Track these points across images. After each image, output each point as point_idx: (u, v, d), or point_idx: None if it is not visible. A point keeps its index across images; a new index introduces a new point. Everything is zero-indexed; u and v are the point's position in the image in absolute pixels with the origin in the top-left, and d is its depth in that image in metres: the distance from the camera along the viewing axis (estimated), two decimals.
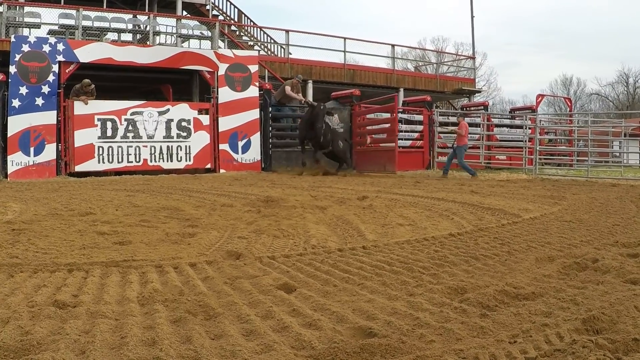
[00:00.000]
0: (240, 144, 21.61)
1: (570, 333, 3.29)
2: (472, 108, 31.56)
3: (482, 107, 30.10)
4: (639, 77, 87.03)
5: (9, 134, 18.27)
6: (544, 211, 9.36)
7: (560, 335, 3.25)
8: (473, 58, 39.47)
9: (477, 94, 39.28)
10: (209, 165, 21.16)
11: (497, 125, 27.26)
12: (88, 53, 19.93)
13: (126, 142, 19.83)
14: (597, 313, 3.54)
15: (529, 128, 24.21)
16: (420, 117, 25.12)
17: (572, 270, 5.00)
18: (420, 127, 24.95)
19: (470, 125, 26.74)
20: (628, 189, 14.32)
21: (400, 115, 23.39)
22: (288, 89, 22.85)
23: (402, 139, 23.18)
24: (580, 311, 3.69)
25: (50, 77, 18.95)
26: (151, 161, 20.17)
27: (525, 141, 23.39)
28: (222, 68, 21.74)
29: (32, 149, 18.50)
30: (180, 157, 20.64)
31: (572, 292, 4.21)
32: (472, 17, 37.92)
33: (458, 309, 3.83)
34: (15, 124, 18.33)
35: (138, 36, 26.32)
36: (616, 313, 3.59)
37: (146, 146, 20.12)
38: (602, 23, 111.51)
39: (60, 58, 19.26)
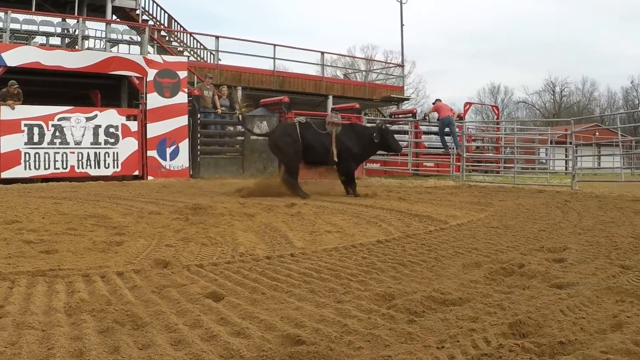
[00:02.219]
0: (169, 150, 21.40)
1: (497, 337, 3.32)
2: (400, 115, 31.79)
3: (411, 115, 30.35)
4: (565, 85, 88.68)
5: None
6: (471, 217, 9.45)
7: (487, 340, 3.28)
8: (402, 66, 39.75)
9: (405, 102, 39.57)
10: (136, 172, 20.89)
11: (425, 133, 27.48)
12: (15, 57, 19.54)
13: (53, 148, 19.43)
14: (523, 317, 3.58)
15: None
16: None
17: (498, 275, 5.06)
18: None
19: (398, 132, 26.97)
20: (554, 195, 14.54)
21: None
22: (206, 94, 22.82)
23: None
24: (506, 316, 3.73)
25: None
26: (78, 168, 19.82)
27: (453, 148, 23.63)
28: (151, 74, 21.47)
29: None
30: (108, 164, 20.33)
31: (498, 297, 4.25)
32: (402, 25, 38.26)
33: (386, 315, 3.83)
34: None
35: (67, 40, 25.97)
36: (542, 317, 3.64)
37: (73, 152, 19.73)
38: (531, 33, 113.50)
39: None
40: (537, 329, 3.47)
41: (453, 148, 22.83)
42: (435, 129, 25.68)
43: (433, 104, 25.48)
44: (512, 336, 3.39)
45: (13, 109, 18.67)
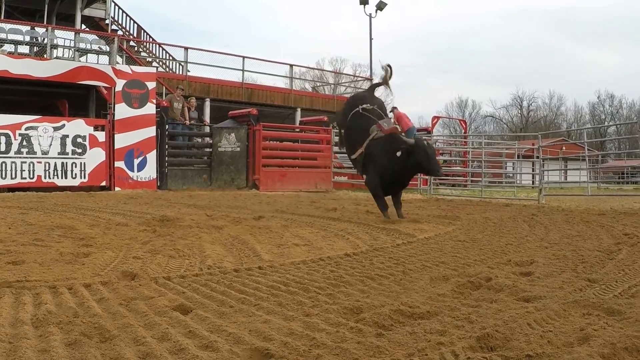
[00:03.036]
0: (136, 161, 21.33)
1: (465, 351, 3.32)
2: None
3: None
4: (532, 100, 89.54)
5: None
6: (439, 231, 9.48)
7: (456, 353, 3.28)
8: (370, 79, 39.87)
9: None
10: (104, 183, 20.82)
11: None
12: None
13: (20, 157, 19.33)
14: (491, 331, 3.58)
15: None
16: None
17: (466, 289, 5.06)
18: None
19: None
20: (521, 208, 14.62)
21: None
22: (176, 105, 22.79)
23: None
24: (474, 329, 3.73)
25: None
26: (45, 178, 19.72)
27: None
28: (120, 84, 21.41)
29: None
30: (75, 174, 20.24)
31: (466, 310, 4.25)
32: (371, 39, 38.47)
33: (354, 328, 3.82)
34: None
35: (35, 49, 25.81)
36: (509, 330, 3.65)
37: (40, 162, 19.65)
38: (498, 48, 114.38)
39: None
40: (505, 343, 3.47)
41: None
42: None
43: (390, 111, 25.56)
44: (480, 349, 3.39)
45: None
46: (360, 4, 38.31)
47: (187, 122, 23.31)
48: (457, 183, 27.05)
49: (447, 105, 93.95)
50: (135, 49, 30.85)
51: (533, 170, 28.42)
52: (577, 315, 4.14)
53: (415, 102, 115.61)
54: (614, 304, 4.34)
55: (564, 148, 41.97)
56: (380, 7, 38.22)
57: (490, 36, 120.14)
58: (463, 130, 46.44)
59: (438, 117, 37.55)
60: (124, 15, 32.24)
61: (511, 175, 31.66)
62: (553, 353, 3.27)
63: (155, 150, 21.75)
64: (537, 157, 19.21)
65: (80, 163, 20.36)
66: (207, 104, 28.77)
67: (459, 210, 13.85)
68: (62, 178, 20.00)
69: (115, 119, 21.23)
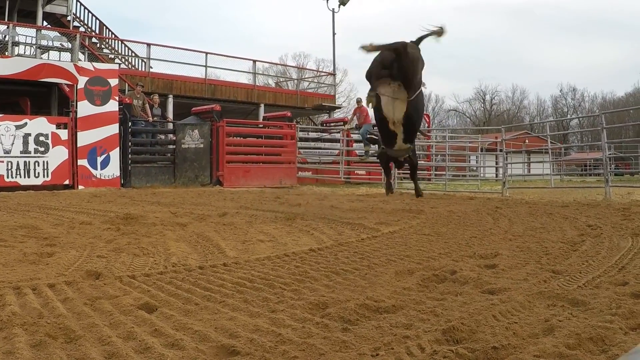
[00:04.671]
0: (99, 159, 21.18)
1: (431, 344, 3.32)
2: (332, 124, 31.93)
3: (342, 123, 30.50)
4: (495, 94, 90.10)
5: None
6: (403, 225, 9.49)
7: (422, 347, 3.28)
8: (333, 74, 39.92)
9: (337, 110, 39.74)
10: (67, 182, 20.64)
11: (357, 141, 27.60)
12: None
13: None
14: (456, 323, 3.59)
15: None
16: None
17: (431, 282, 5.07)
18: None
19: (330, 140, 27.08)
20: (485, 201, 14.69)
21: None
22: (136, 103, 22.67)
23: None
24: (440, 322, 3.73)
25: None
26: (8, 177, 19.51)
27: None
28: (82, 81, 21.23)
29: None
30: (38, 173, 20.05)
31: (431, 303, 4.26)
32: (334, 34, 38.45)
33: (320, 324, 3.81)
34: None
35: None
36: (475, 323, 3.65)
37: (2, 161, 19.44)
38: (461, 42, 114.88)
39: None
40: (471, 335, 3.48)
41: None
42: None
43: (358, 102, 25.66)
44: (446, 342, 3.39)
45: None
46: None
47: (150, 119, 23.19)
48: (421, 177, 27.14)
49: None
50: (98, 45, 30.62)
51: (496, 163, 28.56)
52: (541, 306, 4.16)
53: None
54: (578, 295, 4.37)
55: (527, 141, 42.32)
56: (343, 2, 38.24)
57: (452, 30, 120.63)
58: (426, 125, 46.65)
59: None
60: (86, 11, 32.00)
61: (475, 168, 31.81)
62: (518, 344, 3.28)
63: (118, 147, 21.61)
64: (501, 151, 19.32)
65: (43, 162, 20.17)
66: (170, 100, 28.66)
67: (423, 203, 13.87)
68: (25, 177, 19.81)
69: (78, 116, 21.04)
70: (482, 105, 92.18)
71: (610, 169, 17.57)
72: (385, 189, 11.89)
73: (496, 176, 29.26)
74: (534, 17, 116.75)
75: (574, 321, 3.70)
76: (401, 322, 3.80)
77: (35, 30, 25.85)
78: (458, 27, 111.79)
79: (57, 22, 30.18)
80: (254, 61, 34.18)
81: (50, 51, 25.51)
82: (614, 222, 9.36)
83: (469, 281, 5.00)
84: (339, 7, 38.49)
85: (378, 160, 11.97)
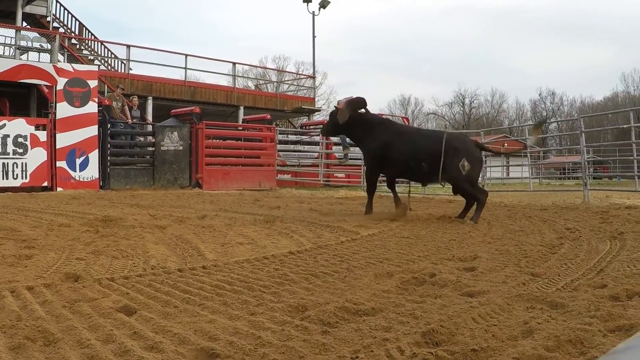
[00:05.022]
0: (78, 161, 21.05)
1: (410, 346, 3.32)
2: (311, 127, 31.96)
3: (322, 126, 30.55)
4: (474, 97, 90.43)
5: None
6: (382, 228, 9.50)
7: (401, 349, 3.28)
8: (313, 77, 39.96)
9: (316, 113, 39.77)
10: (45, 184, 20.51)
11: (336, 144, 27.61)
12: None
13: None
14: (436, 326, 3.59)
15: None
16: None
17: (410, 285, 5.08)
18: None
19: (309, 143, 27.09)
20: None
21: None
22: (115, 105, 22.60)
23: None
24: (419, 325, 3.74)
25: None
26: None
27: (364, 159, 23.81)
28: (61, 82, 21.08)
29: None
30: (17, 175, 19.90)
31: (411, 306, 4.26)
32: (314, 37, 38.49)
33: (299, 326, 3.81)
34: None
35: None
36: (454, 325, 3.66)
37: None
38: (441, 46, 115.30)
39: None
40: (450, 337, 3.48)
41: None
42: (349, 140, 25.83)
43: (336, 106, 25.69)
44: (425, 345, 3.39)
45: None
46: (304, 1, 38.37)
47: (129, 120, 23.12)
48: (400, 180, 27.16)
49: (390, 102, 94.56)
50: (77, 46, 30.52)
51: None
52: (520, 309, 4.17)
53: None
54: (557, 298, 4.39)
55: (506, 144, 42.37)
56: (324, 5, 38.30)
57: (433, 35, 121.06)
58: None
59: (381, 115, 37.68)
60: (66, 12, 31.89)
61: None
62: (498, 347, 3.28)
63: (97, 149, 21.50)
64: None
65: (22, 163, 20.03)
66: (150, 102, 28.62)
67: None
68: (3, 179, 19.67)
69: (57, 118, 20.91)
70: (462, 108, 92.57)
71: (589, 172, 17.66)
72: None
73: None
74: (513, 21, 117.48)
75: (553, 323, 3.71)
76: (380, 324, 3.80)
77: (14, 30, 25.73)
78: (439, 33, 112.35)
79: (36, 22, 30.07)
80: (234, 63, 34.19)
81: (29, 52, 25.39)
82: (593, 225, 9.42)
83: (448, 284, 5.01)
84: (319, 9, 38.54)
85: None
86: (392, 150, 11.20)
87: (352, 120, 11.58)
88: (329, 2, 38.29)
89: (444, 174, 10.92)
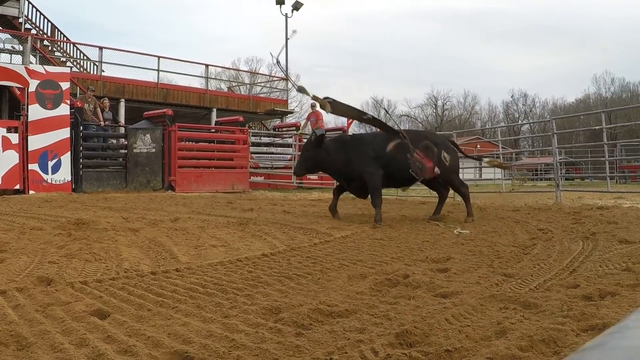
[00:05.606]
0: (51, 164, 20.89)
1: (384, 348, 3.33)
2: (284, 129, 31.97)
3: (294, 128, 30.55)
4: (447, 99, 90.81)
5: None
6: (356, 229, 9.51)
7: (375, 350, 3.29)
8: (286, 79, 39.89)
9: (289, 115, 39.76)
10: (17, 186, 20.36)
11: None
12: None
13: None
14: (409, 327, 3.60)
15: None
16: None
17: (384, 286, 5.08)
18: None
19: (282, 145, 27.11)
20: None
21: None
22: (86, 107, 22.49)
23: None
24: (393, 326, 3.74)
25: None
26: None
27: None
28: (33, 84, 20.90)
29: None
30: None
31: (384, 307, 4.27)
32: (287, 39, 38.41)
33: (273, 329, 3.80)
34: None
35: None
36: (428, 326, 3.67)
37: None
38: (414, 48, 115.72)
39: None
40: (424, 338, 3.49)
41: None
42: None
43: (312, 107, 25.73)
44: (399, 346, 3.40)
45: None
46: (277, 4, 38.37)
47: (102, 123, 23.01)
48: None
49: (363, 104, 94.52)
50: (50, 48, 30.35)
51: None
52: (494, 309, 4.19)
53: None
54: (530, 298, 4.41)
55: (478, 146, 42.57)
56: (297, 7, 38.31)
57: (404, 37, 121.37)
58: (378, 130, 46.76)
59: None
60: (38, 14, 31.70)
61: None
62: (471, 347, 3.30)
63: (69, 152, 21.36)
64: None
65: None
66: (122, 104, 28.49)
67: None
68: None
69: (29, 120, 20.73)
70: (434, 110, 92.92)
71: (561, 173, 17.75)
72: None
73: None
74: (485, 23, 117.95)
75: (526, 323, 3.73)
76: (354, 326, 3.80)
77: None
78: (411, 35, 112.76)
79: (8, 24, 29.87)
80: (207, 65, 34.11)
81: (0, 53, 25.20)
82: (565, 226, 9.48)
83: (422, 285, 5.02)
84: (292, 12, 38.55)
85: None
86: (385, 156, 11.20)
87: (327, 150, 11.52)
88: (302, 5, 38.32)
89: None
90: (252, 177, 25.94)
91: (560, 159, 19.75)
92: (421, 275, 5.42)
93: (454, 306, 4.21)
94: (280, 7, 38.37)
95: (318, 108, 24.33)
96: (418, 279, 5.22)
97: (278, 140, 29.86)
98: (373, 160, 11.29)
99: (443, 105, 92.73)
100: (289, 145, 28.49)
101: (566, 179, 35.73)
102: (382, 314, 4.07)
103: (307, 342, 3.50)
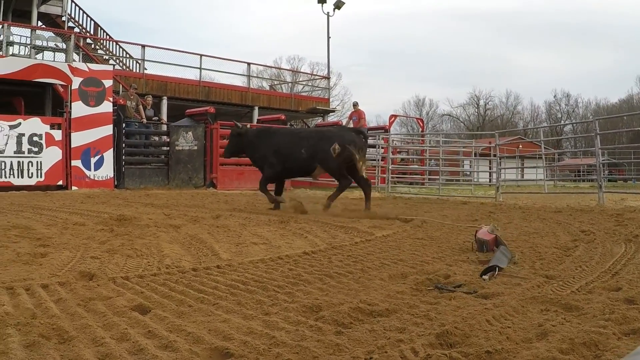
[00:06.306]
0: (93, 160, 21.07)
1: (424, 348, 3.32)
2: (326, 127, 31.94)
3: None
4: (489, 99, 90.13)
5: None
6: (397, 229, 9.48)
7: (415, 350, 3.28)
8: (328, 78, 39.90)
9: (331, 114, 39.72)
10: (60, 182, 20.52)
11: None
12: None
13: None
14: (450, 327, 3.59)
15: (382, 147, 24.61)
16: None
17: (424, 286, 5.07)
18: None
19: None
20: (478, 206, 14.72)
21: None
22: (129, 104, 22.62)
23: None
24: (433, 326, 3.73)
25: None
26: (1, 177, 19.35)
27: (378, 160, 23.76)
28: (76, 82, 21.11)
29: None
30: (32, 173, 19.93)
31: (425, 307, 4.26)
32: (328, 37, 38.42)
33: (314, 327, 3.81)
34: None
35: None
36: (469, 327, 3.65)
37: None
38: (456, 47, 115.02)
39: None
40: (464, 339, 3.48)
41: None
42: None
43: (355, 105, 25.71)
44: (439, 346, 3.39)
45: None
46: (319, 2, 38.29)
47: (144, 120, 23.14)
48: (414, 181, 27.11)
49: (405, 103, 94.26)
50: (92, 46, 30.58)
51: (490, 168, 28.56)
52: (535, 311, 4.17)
53: (373, 100, 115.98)
54: (572, 300, 4.38)
55: (520, 146, 42.26)
56: (338, 5, 38.22)
57: (445, 36, 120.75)
58: (420, 129, 46.64)
59: (395, 116, 37.59)
60: (81, 12, 31.97)
61: (468, 173, 31.81)
62: (512, 349, 3.28)
63: (112, 148, 21.51)
64: (494, 156, 19.35)
65: (37, 162, 20.06)
66: (165, 102, 28.62)
67: (416, 208, 13.91)
68: (18, 177, 19.70)
69: (72, 117, 20.93)
70: (476, 110, 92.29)
71: (604, 175, 17.58)
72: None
73: (490, 181, 29.29)
74: (528, 22, 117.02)
75: (567, 326, 3.71)
76: (395, 325, 3.80)
77: (29, 30, 25.82)
78: (454, 34, 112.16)
79: (51, 22, 30.15)
80: (249, 64, 34.17)
81: (44, 51, 25.43)
82: (607, 228, 9.38)
83: (463, 285, 5.00)
84: (334, 10, 38.48)
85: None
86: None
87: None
88: (344, 3, 38.22)
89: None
90: None
91: (603, 160, 19.51)
92: (462, 276, 5.40)
93: (495, 307, 4.19)
94: (322, 6, 38.31)
95: (360, 107, 24.38)
96: (459, 280, 5.20)
97: None
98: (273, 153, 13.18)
99: (485, 104, 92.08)
100: None
101: (609, 181, 35.36)
102: (422, 313, 4.06)
103: (347, 340, 3.50)
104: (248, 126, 13.63)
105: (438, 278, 5.30)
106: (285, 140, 13.44)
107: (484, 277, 5.35)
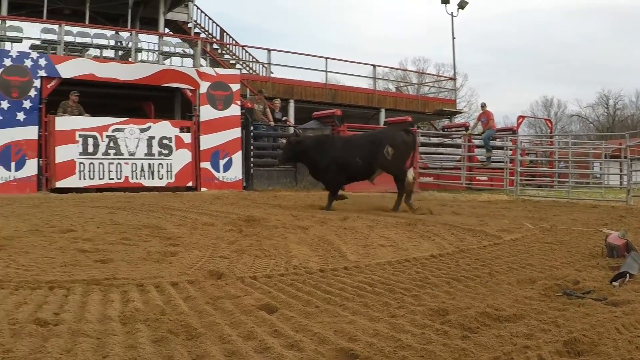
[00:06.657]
0: (222, 162, 21.48)
1: (551, 355, 3.29)
2: (453, 129, 31.68)
3: (464, 128, 30.24)
4: (618, 99, 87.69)
5: None
6: (525, 232, 9.37)
7: (542, 357, 3.25)
8: (454, 79, 39.63)
9: (458, 115, 39.40)
10: (190, 184, 21.01)
11: (479, 147, 27.25)
12: (70, 69, 19.84)
13: (107, 158, 19.65)
14: (578, 335, 3.54)
15: (510, 149, 24.31)
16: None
17: (553, 292, 5.01)
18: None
19: (451, 146, 26.91)
20: (609, 210, 14.37)
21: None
22: (257, 107, 22.92)
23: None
24: (561, 333, 3.70)
25: (32, 92, 18.84)
26: (132, 178, 19.98)
27: (507, 162, 23.49)
28: (204, 86, 21.66)
29: (13, 164, 18.35)
30: (162, 175, 20.49)
31: (553, 314, 4.21)
32: (453, 38, 38.13)
33: (440, 330, 3.82)
34: None
35: (120, 53, 26.29)
36: (597, 335, 3.60)
37: (127, 163, 19.92)
38: (584, 46, 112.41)
39: (42, 73, 19.14)
40: (592, 347, 3.43)
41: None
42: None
43: (482, 107, 25.48)
44: (566, 354, 3.35)
45: None
46: (442, 3, 38.01)
47: (272, 123, 23.42)
48: (543, 184, 26.64)
49: (532, 104, 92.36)
50: (219, 51, 31.12)
51: (621, 170, 27.83)
52: None
53: (500, 101, 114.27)
54: None
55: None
56: (462, 5, 37.83)
57: (574, 36, 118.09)
58: (549, 130, 45.81)
59: (523, 117, 37.11)
60: (207, 18, 32.58)
61: (598, 175, 31.07)
62: None
63: (240, 151, 21.89)
64: (625, 157, 18.84)
65: (167, 164, 20.58)
66: (292, 105, 28.86)
67: (545, 211, 13.69)
68: (148, 179, 20.25)
69: (200, 120, 21.44)
70: (606, 110, 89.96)
71: None
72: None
73: (620, 184, 28.53)
74: None
75: None
76: (522, 331, 3.78)
77: (157, 37, 26.48)
78: (580, 32, 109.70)
79: (178, 29, 30.82)
80: (374, 66, 34.16)
81: (172, 57, 26.03)
82: None
83: (592, 292, 4.92)
84: (458, 10, 38.15)
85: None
86: None
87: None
88: (467, 3, 37.82)
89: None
90: (420, 178, 25.85)
91: None
92: (591, 282, 5.31)
93: (625, 315, 4.11)
94: (446, 6, 38.01)
95: (488, 108, 24.16)
96: (589, 286, 5.12)
97: (447, 141, 29.62)
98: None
99: (615, 104, 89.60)
100: (458, 146, 28.19)
101: None
102: (550, 320, 4.02)
103: (473, 345, 3.50)
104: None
105: (567, 284, 5.23)
106: (340, 150, 14.21)
107: (614, 283, 5.25)
